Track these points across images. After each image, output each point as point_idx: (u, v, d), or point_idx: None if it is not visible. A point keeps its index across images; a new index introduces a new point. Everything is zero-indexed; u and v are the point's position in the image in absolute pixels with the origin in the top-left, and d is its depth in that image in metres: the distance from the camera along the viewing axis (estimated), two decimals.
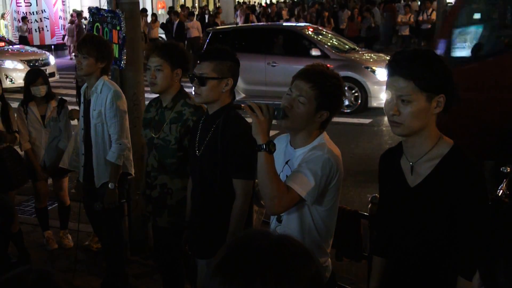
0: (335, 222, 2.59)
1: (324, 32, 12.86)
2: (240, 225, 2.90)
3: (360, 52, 12.37)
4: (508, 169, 4.23)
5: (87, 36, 4.14)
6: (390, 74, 2.12)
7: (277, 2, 29.81)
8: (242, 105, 2.41)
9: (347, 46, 12.34)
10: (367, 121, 10.33)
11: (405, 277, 2.25)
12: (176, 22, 20.13)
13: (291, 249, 1.14)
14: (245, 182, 2.90)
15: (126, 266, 4.54)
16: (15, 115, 4.95)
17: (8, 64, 13.90)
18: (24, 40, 20.02)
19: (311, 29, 12.51)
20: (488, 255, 1.39)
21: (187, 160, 3.38)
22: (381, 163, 2.40)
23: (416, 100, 2.06)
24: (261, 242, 1.14)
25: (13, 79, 13.52)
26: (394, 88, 2.09)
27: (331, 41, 12.22)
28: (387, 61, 2.18)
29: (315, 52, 11.30)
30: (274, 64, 11.48)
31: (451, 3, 18.88)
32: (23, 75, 13.19)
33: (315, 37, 11.90)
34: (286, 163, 2.55)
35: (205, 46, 11.79)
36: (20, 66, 13.78)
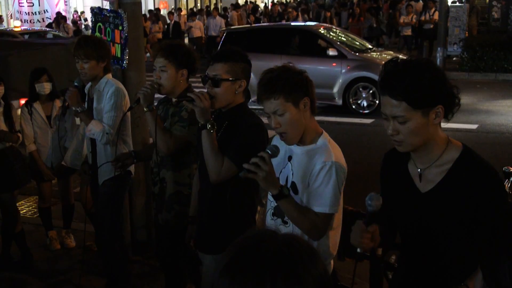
0: (341, 221, 2.61)
1: (338, 32, 12.54)
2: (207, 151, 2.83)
3: (377, 51, 12.03)
4: (511, 169, 4.22)
5: (81, 39, 3.98)
6: (381, 93, 2.03)
7: (280, 3, 29.80)
8: (240, 174, 2.37)
9: (363, 45, 11.97)
10: (369, 121, 10.31)
11: (416, 278, 2.23)
12: (172, 22, 20.14)
13: (299, 249, 1.15)
14: (227, 162, 2.83)
15: (129, 266, 4.54)
16: (21, 115, 4.95)
17: None
18: None
19: (322, 28, 12.30)
20: (492, 257, 1.39)
21: (183, 153, 3.46)
22: (384, 163, 2.34)
23: (412, 119, 1.98)
24: (270, 242, 1.15)
25: None
26: (388, 109, 2.01)
27: (346, 40, 11.85)
28: None
29: (332, 52, 11.07)
30: (291, 64, 11.29)
31: (455, 1, 18.90)
32: None
33: (331, 36, 11.61)
34: (289, 160, 2.56)
35: (219, 46, 11.65)
36: None
